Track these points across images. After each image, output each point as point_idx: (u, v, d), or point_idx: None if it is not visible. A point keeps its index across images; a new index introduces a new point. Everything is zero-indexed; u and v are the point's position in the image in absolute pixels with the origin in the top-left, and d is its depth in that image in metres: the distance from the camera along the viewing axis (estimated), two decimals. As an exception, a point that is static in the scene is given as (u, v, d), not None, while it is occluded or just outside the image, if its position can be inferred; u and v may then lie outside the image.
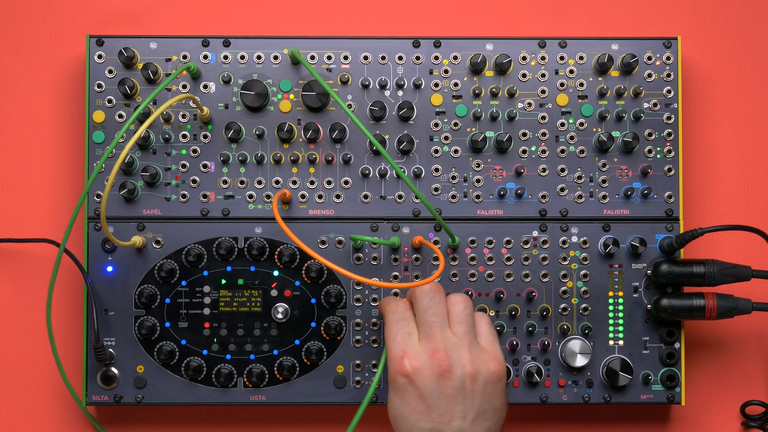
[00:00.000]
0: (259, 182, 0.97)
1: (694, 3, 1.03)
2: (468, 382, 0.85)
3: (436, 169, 0.97)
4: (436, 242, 0.97)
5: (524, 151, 0.97)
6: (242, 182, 0.97)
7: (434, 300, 0.88)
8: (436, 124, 0.97)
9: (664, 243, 0.96)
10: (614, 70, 0.97)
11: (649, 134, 0.97)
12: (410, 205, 0.97)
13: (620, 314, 0.97)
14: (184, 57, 0.97)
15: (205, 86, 0.97)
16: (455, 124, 0.97)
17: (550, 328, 0.97)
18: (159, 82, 0.96)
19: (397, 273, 0.97)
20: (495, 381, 0.87)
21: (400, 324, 0.88)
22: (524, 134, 0.97)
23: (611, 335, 0.97)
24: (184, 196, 0.97)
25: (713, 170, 1.03)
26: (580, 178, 0.97)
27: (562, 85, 0.97)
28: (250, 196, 0.97)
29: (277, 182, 0.97)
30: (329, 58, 0.97)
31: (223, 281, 0.96)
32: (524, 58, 0.97)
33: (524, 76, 0.97)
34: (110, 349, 0.96)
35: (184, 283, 0.96)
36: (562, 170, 0.97)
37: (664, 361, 0.96)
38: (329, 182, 0.97)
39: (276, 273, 0.96)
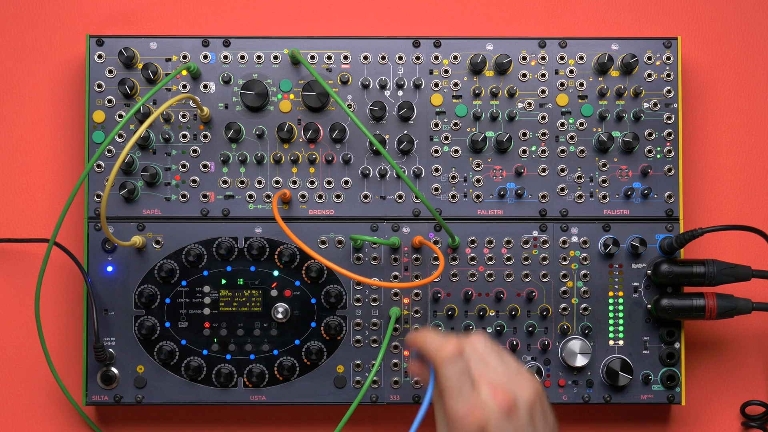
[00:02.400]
0: (259, 182, 0.97)
1: (694, 3, 1.03)
2: (530, 410, 0.82)
3: (436, 169, 0.97)
4: (436, 242, 0.97)
5: (524, 151, 0.97)
6: (242, 182, 0.97)
7: (466, 349, 0.85)
8: (436, 124, 0.97)
9: (664, 243, 0.96)
10: (614, 70, 0.97)
11: (649, 134, 0.97)
12: (410, 205, 0.97)
13: (620, 314, 0.97)
14: (184, 57, 0.97)
15: (205, 86, 0.97)
16: (455, 124, 0.97)
17: (550, 328, 0.97)
18: (159, 82, 0.96)
19: (397, 273, 0.97)
20: (544, 399, 0.84)
21: (462, 378, 0.82)
22: (524, 134, 0.97)
23: (611, 335, 0.97)
24: (184, 196, 0.97)
25: (713, 170, 1.03)
26: (580, 178, 0.97)
27: (562, 85, 0.97)
28: (250, 196, 0.97)
29: (277, 182, 0.97)
30: (329, 58, 0.97)
31: (223, 281, 0.96)
32: (524, 58, 0.97)
33: (524, 76, 0.97)
34: (110, 349, 0.96)
35: (184, 283, 0.96)
36: (562, 170, 0.97)
37: (664, 361, 0.96)
38: (329, 182, 0.97)
39: (276, 273, 0.96)
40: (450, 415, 0.81)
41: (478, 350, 0.85)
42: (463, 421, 0.81)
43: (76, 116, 1.01)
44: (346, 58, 0.97)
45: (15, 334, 1.01)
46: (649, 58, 0.97)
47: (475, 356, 0.83)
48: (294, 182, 0.97)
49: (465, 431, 0.81)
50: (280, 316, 0.96)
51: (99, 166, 0.97)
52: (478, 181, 0.97)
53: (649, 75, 0.97)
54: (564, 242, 0.97)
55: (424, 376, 0.87)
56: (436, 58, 0.97)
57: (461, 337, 0.84)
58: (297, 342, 0.96)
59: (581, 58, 0.97)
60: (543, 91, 0.97)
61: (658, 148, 0.97)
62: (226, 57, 0.97)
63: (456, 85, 0.97)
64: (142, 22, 1.02)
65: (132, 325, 0.96)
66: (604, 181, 0.97)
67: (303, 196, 0.97)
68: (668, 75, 0.97)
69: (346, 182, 0.97)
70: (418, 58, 0.97)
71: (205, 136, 0.97)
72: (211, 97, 0.97)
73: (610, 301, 0.97)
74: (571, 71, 0.97)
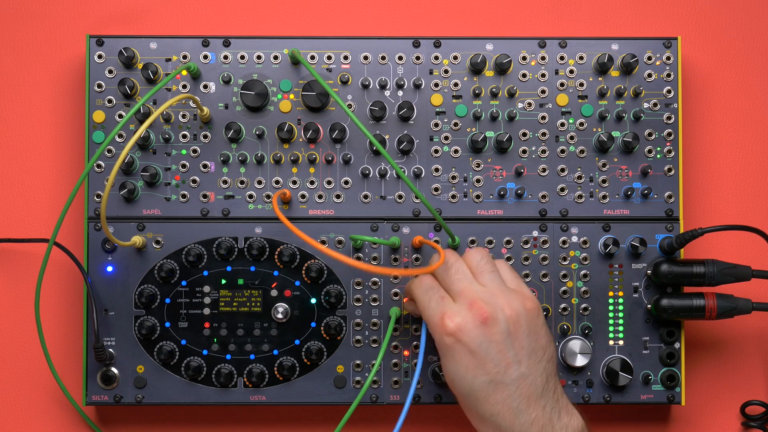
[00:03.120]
0: (259, 182, 0.97)
1: (694, 3, 1.03)
2: (512, 325, 0.84)
3: (436, 169, 0.97)
4: (436, 242, 0.97)
5: (524, 151, 0.97)
6: (242, 182, 0.97)
7: (452, 261, 0.88)
8: (436, 124, 0.97)
9: (664, 243, 0.96)
10: (614, 70, 0.97)
11: (649, 134, 0.97)
12: (410, 205, 0.97)
13: (620, 314, 0.97)
14: (184, 57, 0.97)
15: (205, 86, 0.97)
16: (455, 124, 0.97)
17: (550, 328, 0.97)
18: (159, 82, 0.96)
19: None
20: (534, 318, 0.86)
21: (429, 293, 0.87)
22: (524, 134, 0.97)
23: (611, 335, 0.97)
24: (184, 196, 0.97)
25: (713, 170, 1.03)
26: (580, 178, 0.97)
27: (562, 85, 0.97)
28: (250, 196, 0.97)
29: (277, 182, 0.97)
30: (329, 58, 0.97)
31: (223, 281, 0.96)
32: (524, 58, 0.97)
33: (524, 76, 0.97)
34: (110, 349, 0.96)
35: (184, 283, 0.96)
36: (562, 170, 0.97)
37: (664, 361, 0.96)
38: (329, 182, 0.97)
39: (276, 273, 0.96)
40: (428, 326, 0.87)
41: (472, 265, 0.89)
42: (437, 327, 0.86)
43: (76, 116, 1.01)
44: (346, 58, 0.97)
45: (15, 334, 1.01)
46: (649, 58, 0.97)
47: (456, 270, 0.88)
48: (294, 182, 0.97)
49: (440, 337, 0.86)
50: (280, 316, 0.96)
51: (99, 166, 0.97)
52: (478, 181, 0.97)
53: (649, 75, 0.97)
54: (564, 242, 0.97)
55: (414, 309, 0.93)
56: (436, 58, 0.97)
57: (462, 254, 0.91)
58: (297, 342, 0.96)
59: (581, 58, 0.97)
60: (543, 91, 0.97)
61: (658, 148, 0.97)
62: (226, 57, 0.97)
63: (456, 85, 0.97)
64: (142, 22, 1.02)
65: (132, 325, 0.96)
66: (604, 181, 0.97)
67: (303, 196, 0.97)
68: (668, 75, 0.97)
69: (346, 182, 0.97)
70: (418, 58, 0.97)
71: (205, 136, 0.97)
72: (211, 97, 0.97)
73: (610, 301, 0.97)
74: (571, 71, 0.97)
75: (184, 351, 0.96)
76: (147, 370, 0.96)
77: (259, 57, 0.97)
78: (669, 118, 0.97)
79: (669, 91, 0.97)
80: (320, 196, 0.97)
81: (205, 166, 0.97)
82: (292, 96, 0.97)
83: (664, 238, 0.96)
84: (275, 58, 0.97)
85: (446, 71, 0.97)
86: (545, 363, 0.86)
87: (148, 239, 0.96)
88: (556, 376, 0.87)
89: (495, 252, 0.97)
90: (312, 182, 0.97)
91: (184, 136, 0.97)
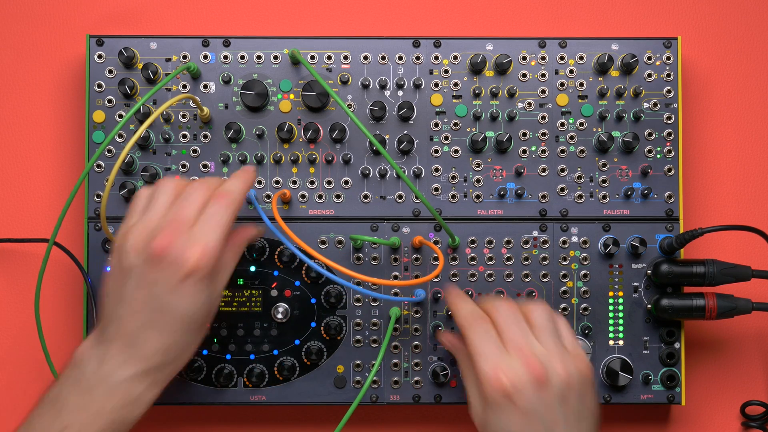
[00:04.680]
0: (259, 182, 0.97)
1: (694, 3, 1.03)
2: (565, 389, 0.84)
3: (436, 169, 0.97)
4: (436, 242, 0.97)
5: (524, 151, 0.97)
6: (242, 182, 0.97)
7: (513, 312, 0.87)
8: (436, 124, 0.97)
9: (664, 243, 0.96)
10: (614, 70, 0.97)
11: (649, 134, 0.97)
12: (410, 205, 0.97)
13: (620, 314, 0.97)
14: (184, 57, 0.97)
15: (205, 86, 0.97)
16: (455, 124, 0.97)
17: (550, 328, 0.97)
18: (159, 82, 0.96)
19: (397, 273, 0.97)
20: (586, 383, 0.86)
21: (485, 337, 0.85)
22: (524, 134, 0.97)
23: (611, 335, 0.97)
24: (184, 196, 0.97)
25: (713, 170, 1.03)
26: (580, 178, 0.97)
27: (562, 85, 0.97)
28: (250, 196, 0.97)
29: (277, 182, 0.97)
30: (329, 58, 0.97)
31: (223, 281, 0.96)
32: (524, 58, 0.97)
33: (524, 76, 0.97)
34: (110, 349, 0.96)
35: (184, 283, 0.96)
36: (562, 170, 0.97)
37: (664, 361, 0.96)
38: (329, 182, 0.97)
39: (276, 273, 0.96)
40: (479, 377, 0.85)
41: (535, 321, 0.88)
42: (489, 379, 0.84)
43: (76, 116, 1.01)
44: (346, 58, 0.97)
45: (15, 334, 1.01)
46: (649, 58, 0.97)
47: (517, 326, 0.86)
48: (294, 182, 0.97)
49: (492, 391, 0.84)
50: (280, 316, 0.96)
51: (99, 166, 0.97)
52: (478, 181, 0.97)
53: (649, 75, 0.97)
54: (564, 242, 0.97)
55: (453, 344, 0.92)
56: (436, 58, 0.97)
57: (522, 303, 0.89)
58: (297, 342, 0.96)
59: (581, 58, 0.97)
60: (543, 91, 0.97)
61: (658, 148, 0.97)
62: (226, 57, 0.97)
63: (456, 85, 0.97)
64: (142, 22, 1.02)
65: (132, 325, 0.96)
66: (604, 181, 0.97)
67: (303, 196, 0.97)
68: (668, 75, 0.97)
69: (346, 182, 0.97)
70: (418, 58, 0.97)
71: (205, 136, 0.97)
72: (211, 97, 0.97)
73: (610, 301, 0.97)
74: (571, 71, 0.97)
75: (184, 351, 0.96)
76: (147, 370, 0.96)
77: (259, 57, 0.97)
78: (669, 118, 0.97)
79: (669, 91, 0.97)
80: (320, 196, 0.97)
81: (205, 166, 0.97)
82: (292, 96, 0.97)
83: (664, 238, 0.96)
84: (275, 58, 0.97)
85: (446, 71, 0.97)
86: (589, 423, 0.86)
87: (148, 239, 0.96)
88: None
89: (495, 252, 0.97)
90: (312, 182, 0.97)
91: (184, 136, 0.97)
